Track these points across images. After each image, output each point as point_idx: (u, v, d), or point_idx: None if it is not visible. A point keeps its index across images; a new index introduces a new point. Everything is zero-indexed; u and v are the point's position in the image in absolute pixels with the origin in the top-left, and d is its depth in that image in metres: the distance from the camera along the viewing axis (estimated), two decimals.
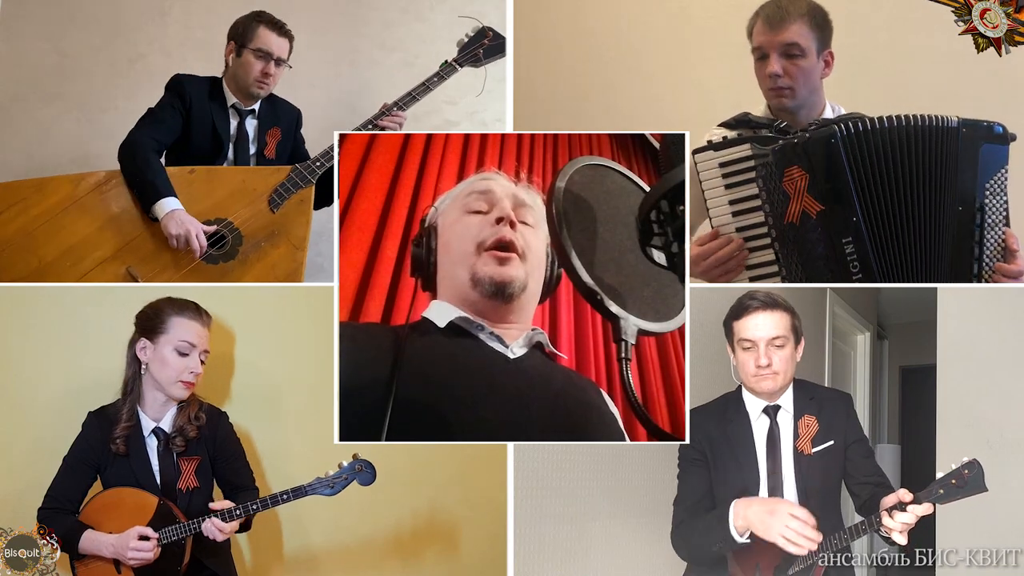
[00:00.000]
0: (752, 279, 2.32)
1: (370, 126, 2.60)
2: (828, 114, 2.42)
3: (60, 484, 2.25)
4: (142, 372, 2.27)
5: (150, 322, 2.27)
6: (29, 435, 2.45)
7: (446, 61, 2.68)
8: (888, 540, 2.03)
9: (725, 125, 2.38)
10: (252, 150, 2.68)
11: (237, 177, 2.57)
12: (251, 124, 2.68)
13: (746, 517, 2.06)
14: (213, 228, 2.51)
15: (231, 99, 2.66)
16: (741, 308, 2.20)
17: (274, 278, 2.55)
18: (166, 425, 2.28)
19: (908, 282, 2.26)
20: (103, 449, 2.25)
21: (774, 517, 2.01)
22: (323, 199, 2.67)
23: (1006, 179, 2.23)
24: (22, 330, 2.49)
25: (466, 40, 2.70)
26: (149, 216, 2.50)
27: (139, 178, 2.49)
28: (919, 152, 2.20)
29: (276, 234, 2.56)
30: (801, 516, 1.99)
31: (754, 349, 2.18)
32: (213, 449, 2.31)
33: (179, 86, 2.60)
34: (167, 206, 2.48)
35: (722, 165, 2.30)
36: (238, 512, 2.16)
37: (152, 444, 2.27)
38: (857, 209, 2.20)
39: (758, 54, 2.38)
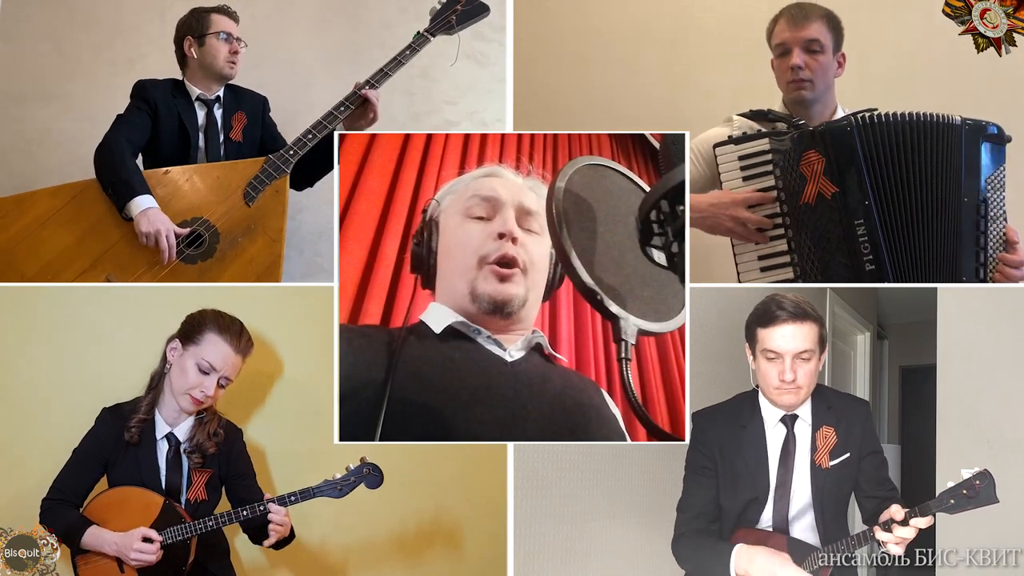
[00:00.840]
0: (763, 269, 2.39)
1: (343, 108, 2.57)
2: (840, 114, 2.53)
3: (66, 476, 2.24)
4: (166, 371, 2.28)
5: (189, 328, 2.26)
6: (29, 435, 2.45)
7: (419, 32, 2.63)
8: (886, 553, 2.02)
9: (743, 115, 2.50)
10: (221, 136, 2.69)
11: (212, 174, 2.55)
12: (218, 112, 2.69)
13: (747, 571, 2.03)
14: (187, 230, 2.49)
15: (195, 92, 2.67)
16: (768, 316, 2.12)
17: (253, 273, 2.53)
18: (180, 434, 2.27)
19: (915, 276, 2.33)
20: (114, 446, 2.24)
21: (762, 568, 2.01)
22: (304, 181, 2.68)
23: (1004, 177, 2.34)
24: (22, 330, 2.49)
25: (438, 7, 2.66)
26: (123, 215, 2.47)
27: (114, 177, 2.48)
28: (926, 143, 2.31)
29: (252, 228, 2.53)
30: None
31: (779, 361, 2.11)
32: (227, 467, 2.30)
33: (143, 90, 2.62)
34: (141, 204, 2.45)
35: (741, 158, 2.41)
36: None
37: (163, 448, 2.26)
38: (869, 193, 2.30)
39: (780, 50, 2.51)
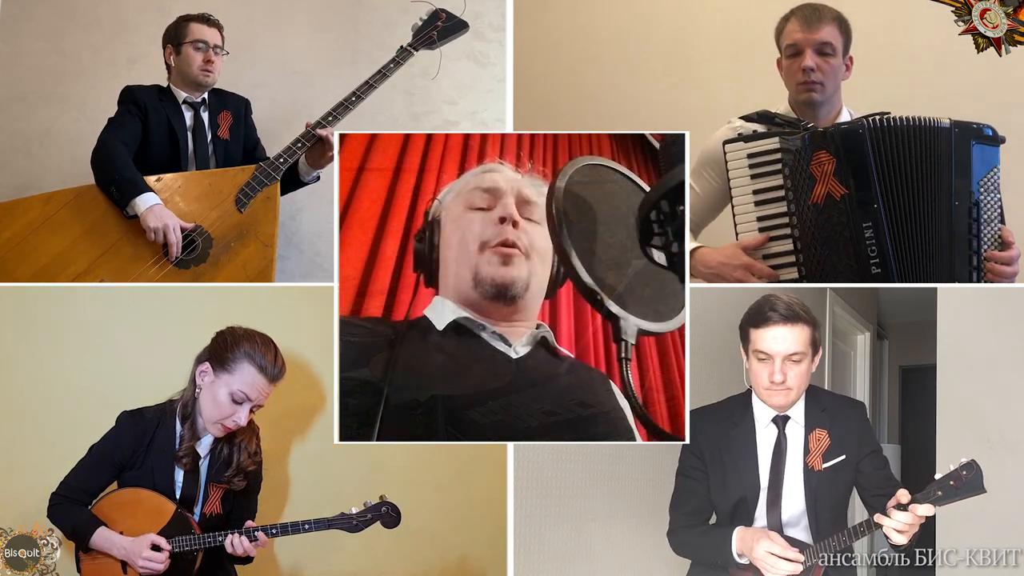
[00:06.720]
0: (769, 267, 2.38)
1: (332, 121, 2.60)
2: (844, 116, 2.53)
3: (80, 475, 2.20)
4: (196, 395, 2.19)
5: (220, 351, 2.17)
6: (29, 435, 2.45)
7: (402, 46, 2.69)
8: (891, 544, 2.02)
9: (746, 118, 2.48)
10: (209, 136, 2.71)
11: (204, 181, 2.58)
12: (204, 115, 2.72)
13: (743, 544, 2.09)
14: (192, 224, 2.50)
15: (181, 96, 2.70)
16: (761, 317, 2.13)
17: (246, 276, 2.55)
18: (201, 449, 2.21)
19: (916, 276, 2.33)
20: (132, 451, 2.19)
21: (757, 544, 2.06)
22: (289, 185, 2.70)
23: (998, 178, 2.34)
24: (22, 330, 2.49)
25: (420, 24, 2.73)
26: (126, 213, 2.48)
27: (116, 176, 2.49)
28: (927, 147, 2.32)
29: (245, 233, 2.55)
30: (776, 550, 2.04)
31: (769, 362, 2.12)
32: (244, 484, 2.27)
33: (131, 95, 2.65)
34: (147, 201, 2.47)
35: (750, 156, 2.40)
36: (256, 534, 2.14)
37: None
38: (878, 196, 2.31)
39: (791, 51, 2.49)
